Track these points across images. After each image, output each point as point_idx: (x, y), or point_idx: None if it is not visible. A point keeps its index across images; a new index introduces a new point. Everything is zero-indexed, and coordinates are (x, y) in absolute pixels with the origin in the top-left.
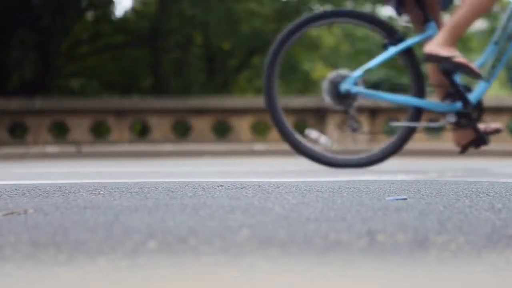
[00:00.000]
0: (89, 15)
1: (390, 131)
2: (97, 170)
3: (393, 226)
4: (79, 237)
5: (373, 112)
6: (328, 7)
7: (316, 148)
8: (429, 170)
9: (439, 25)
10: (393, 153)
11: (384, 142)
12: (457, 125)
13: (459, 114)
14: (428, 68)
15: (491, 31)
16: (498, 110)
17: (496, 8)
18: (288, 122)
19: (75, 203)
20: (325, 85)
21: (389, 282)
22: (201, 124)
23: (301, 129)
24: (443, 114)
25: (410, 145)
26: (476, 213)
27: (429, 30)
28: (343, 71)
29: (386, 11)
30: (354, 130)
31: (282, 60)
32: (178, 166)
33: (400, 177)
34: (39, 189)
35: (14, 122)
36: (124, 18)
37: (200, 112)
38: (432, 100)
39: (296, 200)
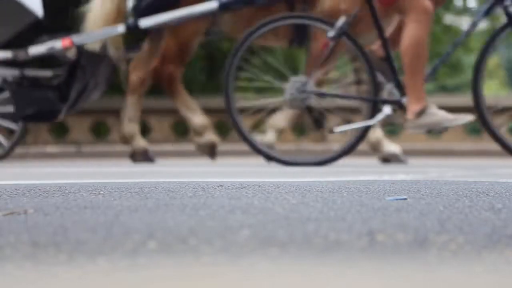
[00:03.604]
0: None
1: (391, 131)
2: (97, 170)
3: (393, 226)
4: (79, 237)
5: None
6: None
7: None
8: (429, 170)
9: None
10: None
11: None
12: None
13: None
14: None
15: (491, 31)
16: (498, 110)
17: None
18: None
19: (75, 203)
20: None
21: (389, 282)
22: None
23: (301, 129)
24: None
25: (410, 145)
26: (476, 213)
27: None
28: None
29: None
30: None
31: None
32: (178, 166)
33: (400, 177)
34: (39, 189)
35: None
36: None
37: None
38: None
39: (296, 200)
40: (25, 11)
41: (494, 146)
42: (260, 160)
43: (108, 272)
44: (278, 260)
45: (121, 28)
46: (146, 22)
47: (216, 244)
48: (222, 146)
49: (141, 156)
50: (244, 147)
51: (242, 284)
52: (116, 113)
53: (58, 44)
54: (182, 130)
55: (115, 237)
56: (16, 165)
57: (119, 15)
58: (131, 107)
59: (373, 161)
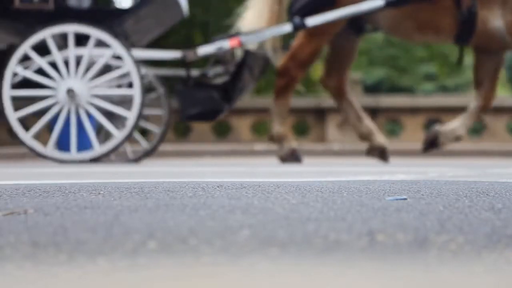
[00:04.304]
0: None
1: (391, 131)
2: (97, 170)
3: (393, 226)
4: (79, 237)
5: (374, 112)
6: None
7: None
8: (429, 170)
9: None
10: None
11: None
12: None
13: None
14: None
15: None
16: (498, 110)
17: None
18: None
19: (75, 203)
20: None
21: (389, 282)
22: (201, 124)
23: (301, 129)
24: None
25: (410, 145)
26: (476, 213)
27: None
28: None
29: None
30: None
31: None
32: (178, 166)
33: (400, 177)
34: (39, 189)
35: None
36: None
37: None
38: None
39: (296, 200)
40: (179, 9)
41: (494, 146)
42: (259, 160)
43: (108, 272)
44: (278, 260)
45: (288, 27)
46: (313, 21)
47: (216, 244)
48: (222, 146)
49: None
50: (243, 147)
51: (242, 284)
52: None
53: (226, 44)
54: (182, 130)
55: (115, 237)
56: (16, 165)
57: (279, 15)
58: (351, 109)
59: (373, 161)
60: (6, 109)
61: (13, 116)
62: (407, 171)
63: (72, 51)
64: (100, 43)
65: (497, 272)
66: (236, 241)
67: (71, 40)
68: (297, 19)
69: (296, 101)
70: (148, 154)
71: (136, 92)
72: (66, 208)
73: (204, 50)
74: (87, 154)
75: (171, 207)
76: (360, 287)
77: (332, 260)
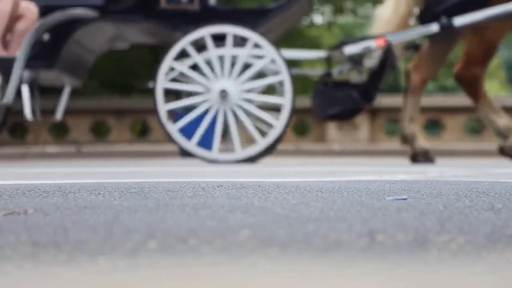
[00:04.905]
0: None
1: (390, 131)
2: (97, 170)
3: (393, 226)
4: (79, 237)
5: (373, 112)
6: (328, 8)
7: None
8: (429, 170)
9: None
10: None
11: None
12: None
13: None
14: None
15: None
16: None
17: None
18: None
19: (75, 203)
20: None
21: (389, 282)
22: None
23: (301, 129)
24: None
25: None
26: (476, 213)
27: None
28: None
29: None
30: None
31: None
32: (178, 166)
33: (400, 177)
34: (39, 189)
35: (14, 122)
36: None
37: None
38: None
39: (296, 200)
40: (308, 8)
41: (494, 146)
42: (259, 160)
43: (108, 272)
44: (278, 260)
45: (435, 27)
46: (461, 21)
47: (216, 244)
48: (222, 146)
49: (423, 157)
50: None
51: (242, 284)
52: (116, 113)
53: (373, 43)
54: None
55: (115, 237)
56: (16, 165)
57: (410, 16)
58: (412, 107)
59: (373, 161)
60: (165, 125)
61: (172, 129)
62: (407, 171)
63: (215, 51)
64: (236, 42)
65: (497, 272)
66: (236, 241)
67: (210, 42)
68: (444, 19)
69: (296, 101)
70: (267, 151)
71: (286, 78)
72: (66, 208)
73: (351, 49)
74: (251, 151)
75: (171, 207)
76: (360, 287)
77: (332, 260)
